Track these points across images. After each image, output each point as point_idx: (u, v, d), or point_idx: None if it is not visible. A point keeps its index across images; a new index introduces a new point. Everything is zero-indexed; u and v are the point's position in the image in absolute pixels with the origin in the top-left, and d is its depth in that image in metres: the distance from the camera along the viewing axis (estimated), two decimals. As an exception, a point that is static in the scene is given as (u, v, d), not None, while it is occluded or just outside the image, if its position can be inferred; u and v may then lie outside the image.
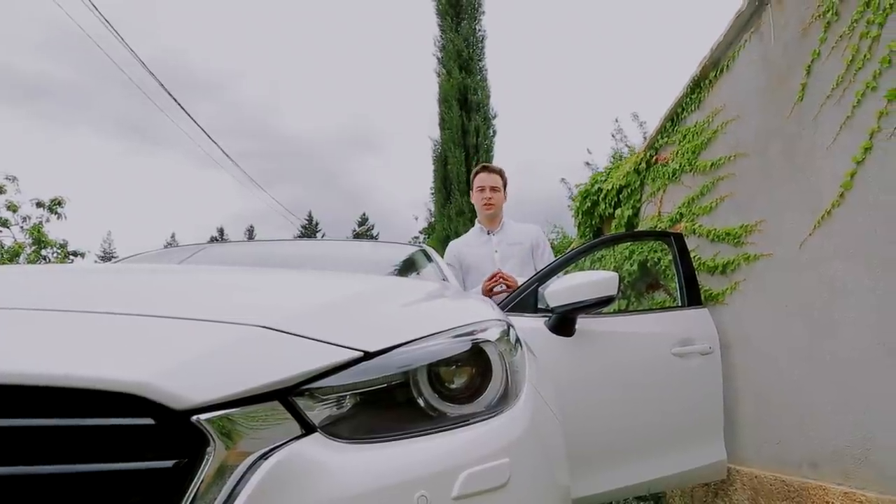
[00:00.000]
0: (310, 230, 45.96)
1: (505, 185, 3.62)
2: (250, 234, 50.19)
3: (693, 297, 3.10)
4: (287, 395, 0.94)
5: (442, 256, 3.09)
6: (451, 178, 15.47)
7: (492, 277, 3.12)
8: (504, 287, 3.07)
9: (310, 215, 49.40)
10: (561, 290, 2.51)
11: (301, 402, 0.95)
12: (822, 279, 2.45)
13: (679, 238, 3.25)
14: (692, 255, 3.44)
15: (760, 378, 2.89)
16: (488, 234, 3.58)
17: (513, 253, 3.43)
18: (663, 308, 3.43)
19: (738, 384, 3.04)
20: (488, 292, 3.07)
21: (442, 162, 15.77)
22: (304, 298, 1.24)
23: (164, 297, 1.17)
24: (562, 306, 2.53)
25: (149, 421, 0.85)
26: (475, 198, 3.60)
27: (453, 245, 3.60)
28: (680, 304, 3.14)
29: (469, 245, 3.55)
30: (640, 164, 4.82)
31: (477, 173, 3.63)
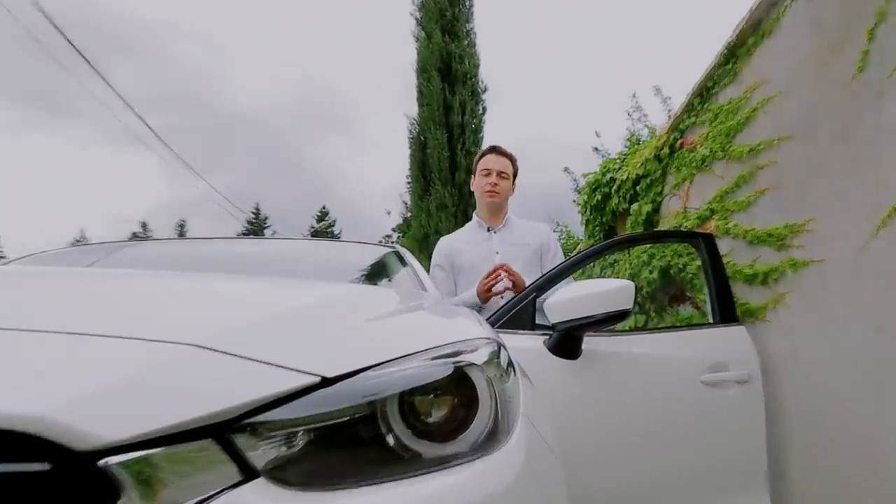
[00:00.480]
0: (256, 226, 46.15)
1: (515, 175, 3.72)
2: (181, 230, 49.84)
3: (727, 311, 3.12)
4: (224, 432, 0.93)
5: (419, 258, 3.08)
6: (430, 164, 15.43)
7: (492, 273, 3.20)
8: (509, 285, 3.17)
9: (257, 208, 48.57)
10: (564, 303, 2.53)
11: (241, 441, 0.94)
12: (892, 290, 2.45)
13: (709, 240, 3.30)
14: (725, 260, 3.49)
15: (815, 412, 2.89)
16: (488, 230, 3.64)
17: (517, 255, 3.48)
18: (690, 325, 3.46)
19: (786, 420, 3.06)
20: (487, 292, 3.17)
21: (420, 144, 15.78)
22: (248, 311, 1.23)
23: (66, 309, 1.15)
24: (565, 322, 2.56)
25: (44, 466, 0.82)
26: (477, 183, 3.70)
27: (444, 242, 3.66)
28: (710, 321, 3.16)
29: (464, 242, 3.61)
30: (662, 148, 4.87)
31: (484, 154, 3.74)
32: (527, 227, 3.64)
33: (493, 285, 3.17)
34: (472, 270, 3.41)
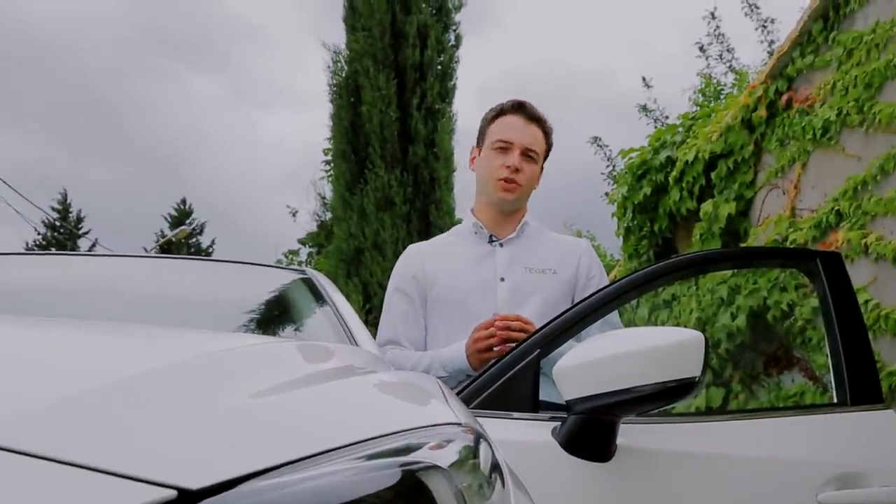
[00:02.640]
0: (66, 234, 37.04)
1: (546, 155, 2.97)
2: None
3: (864, 384, 2.43)
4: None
5: (345, 289, 2.41)
6: (366, 130, 12.04)
7: (487, 326, 2.54)
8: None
9: (63, 199, 38.19)
10: (586, 366, 2.00)
11: None
12: None
13: (834, 263, 2.57)
14: (863, 297, 2.86)
15: None
16: (491, 241, 2.89)
17: (535, 287, 2.79)
18: (800, 407, 2.81)
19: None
20: (482, 352, 2.52)
21: (348, 97, 12.40)
22: (62, 379, 1.00)
23: None
24: (587, 400, 1.99)
25: None
26: (484, 163, 2.93)
27: (413, 253, 2.98)
28: (836, 401, 2.48)
29: (449, 258, 2.91)
30: (756, 108, 3.90)
31: (502, 113, 2.92)
32: (555, 241, 2.95)
33: (487, 346, 2.55)
34: (460, 307, 2.77)
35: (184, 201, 38.74)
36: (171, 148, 63.46)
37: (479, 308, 2.70)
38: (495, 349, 2.51)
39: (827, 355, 2.75)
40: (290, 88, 59.45)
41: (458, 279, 2.81)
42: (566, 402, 2.13)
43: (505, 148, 2.80)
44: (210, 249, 37.62)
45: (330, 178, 13.30)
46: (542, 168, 2.97)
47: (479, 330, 2.56)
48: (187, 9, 66.77)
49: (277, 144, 57.50)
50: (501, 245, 2.84)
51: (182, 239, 31.07)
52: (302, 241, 18.57)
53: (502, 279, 2.78)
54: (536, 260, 2.83)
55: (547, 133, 2.91)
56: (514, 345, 2.49)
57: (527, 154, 2.81)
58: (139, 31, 64.25)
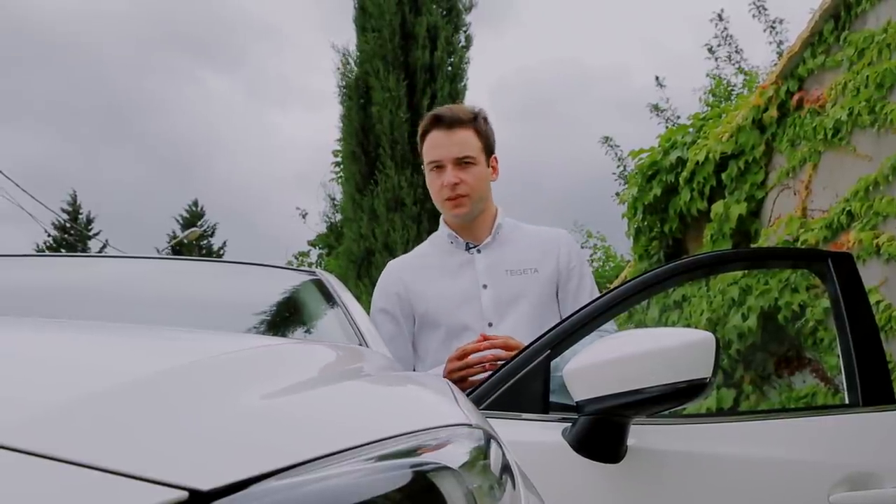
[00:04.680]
0: (76, 236, 37.06)
1: (488, 147, 2.89)
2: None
3: (876, 385, 2.42)
4: None
5: (355, 290, 2.42)
6: (376, 131, 11.99)
7: (462, 355, 2.45)
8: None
9: (73, 199, 38.32)
10: (597, 368, 2.00)
11: None
12: None
13: (846, 263, 2.57)
14: (875, 298, 2.87)
15: None
16: (468, 248, 2.85)
17: (519, 290, 2.76)
18: (812, 408, 2.81)
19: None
20: (461, 381, 2.45)
21: (358, 98, 12.39)
22: (74, 381, 1.00)
23: None
24: (598, 401, 1.99)
25: None
26: (430, 185, 2.90)
27: (393, 271, 2.94)
28: (847, 401, 2.46)
29: (427, 270, 2.87)
30: (767, 108, 3.87)
31: (426, 132, 2.86)
32: (532, 237, 2.90)
33: (467, 371, 2.47)
34: (446, 320, 2.75)
35: (195, 203, 39.10)
36: (183, 148, 63.99)
37: (464, 318, 2.67)
38: (472, 379, 2.43)
39: (838, 356, 2.73)
40: (304, 88, 60.15)
41: (440, 291, 2.75)
42: (576, 403, 2.12)
43: (438, 167, 2.74)
44: (221, 251, 37.84)
45: (340, 180, 13.26)
46: (491, 159, 2.84)
47: (452, 360, 2.48)
48: (200, 7, 67.55)
49: (290, 144, 57.80)
50: (479, 251, 2.78)
51: (193, 240, 31.07)
52: (312, 243, 18.68)
53: (485, 286, 2.71)
54: (516, 261, 2.76)
55: (478, 129, 2.77)
56: (488, 374, 2.42)
57: (462, 163, 2.71)
58: (152, 30, 64.92)
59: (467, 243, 2.82)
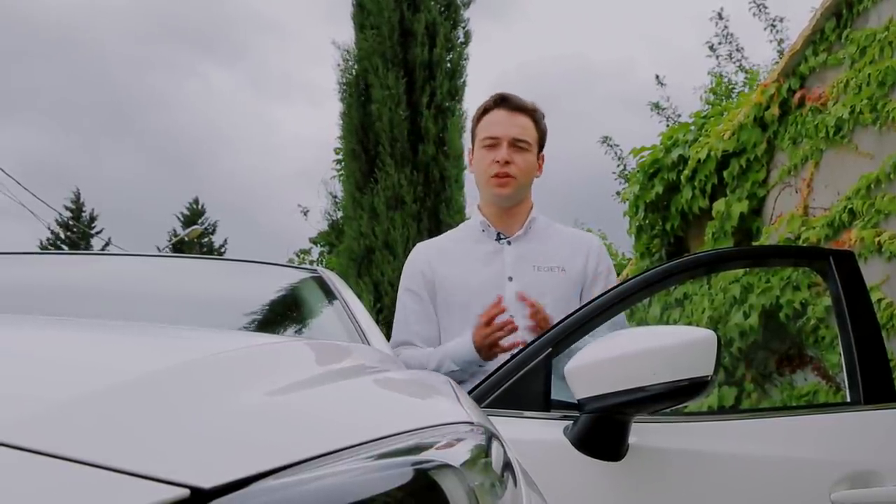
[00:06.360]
0: (78, 233, 37.04)
1: (542, 142, 2.94)
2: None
3: (877, 383, 2.42)
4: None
5: (356, 288, 2.40)
6: (376, 129, 11.96)
7: (495, 307, 2.51)
8: (522, 339, 2.54)
9: (76, 197, 38.42)
10: (598, 366, 1.99)
11: None
12: None
13: (847, 261, 2.57)
14: (877, 296, 2.83)
15: None
16: (499, 238, 2.85)
17: (544, 286, 2.75)
18: (813, 406, 2.79)
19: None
20: (491, 347, 2.52)
21: (358, 95, 12.36)
22: (74, 378, 0.99)
23: None
24: (599, 399, 1.98)
25: None
26: (479, 162, 2.91)
27: (421, 253, 2.95)
28: (848, 399, 2.47)
29: (454, 254, 2.88)
30: (769, 107, 3.87)
31: (485, 111, 2.91)
32: (564, 237, 2.92)
33: (494, 334, 2.54)
34: (468, 307, 2.74)
35: (196, 201, 39.00)
36: (184, 144, 63.72)
37: (485, 307, 2.64)
38: (502, 342, 2.49)
39: (840, 354, 2.71)
40: (307, 84, 60.35)
41: (465, 278, 2.78)
42: (578, 401, 2.12)
43: (493, 144, 2.77)
44: (222, 249, 37.75)
45: (341, 177, 13.24)
46: (540, 156, 2.91)
47: (481, 328, 2.50)
48: (203, 3, 67.89)
49: (293, 140, 58.00)
50: (509, 243, 2.81)
51: (194, 238, 31.10)
52: (314, 241, 18.52)
53: (510, 278, 2.74)
54: (545, 258, 2.79)
55: (537, 120, 2.86)
56: (524, 341, 2.49)
57: (516, 145, 2.77)
58: (154, 25, 64.61)
59: (498, 234, 2.82)
